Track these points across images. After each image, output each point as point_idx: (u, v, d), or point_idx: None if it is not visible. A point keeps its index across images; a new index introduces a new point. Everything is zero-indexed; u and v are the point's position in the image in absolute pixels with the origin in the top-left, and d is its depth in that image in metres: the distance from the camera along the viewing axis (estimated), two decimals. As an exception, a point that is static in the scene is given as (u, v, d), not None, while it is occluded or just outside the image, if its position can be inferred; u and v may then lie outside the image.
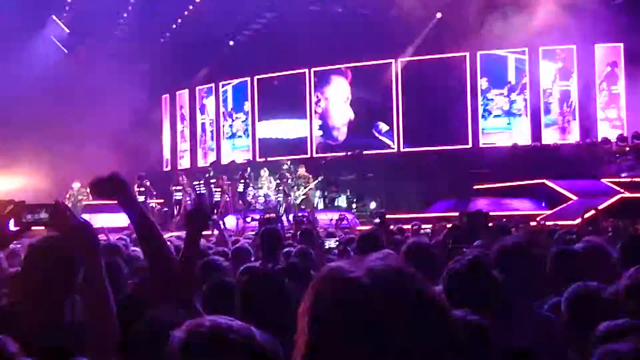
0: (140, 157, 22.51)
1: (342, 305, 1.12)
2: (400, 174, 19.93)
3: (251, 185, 19.28)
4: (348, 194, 19.36)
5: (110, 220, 18.54)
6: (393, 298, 1.11)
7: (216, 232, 8.32)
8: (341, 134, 22.91)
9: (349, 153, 21.53)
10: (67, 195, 19.23)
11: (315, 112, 23.14)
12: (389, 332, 1.09)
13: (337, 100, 23.05)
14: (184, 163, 25.65)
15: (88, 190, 14.77)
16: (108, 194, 2.44)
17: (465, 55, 21.20)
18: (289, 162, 18.71)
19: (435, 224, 10.77)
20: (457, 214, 10.19)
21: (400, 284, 1.14)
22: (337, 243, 5.90)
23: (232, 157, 23.56)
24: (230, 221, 17.92)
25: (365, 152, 21.22)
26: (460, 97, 21.13)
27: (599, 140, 19.37)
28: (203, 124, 25.37)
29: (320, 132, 23.09)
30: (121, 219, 18.57)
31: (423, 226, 11.29)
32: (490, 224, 7.18)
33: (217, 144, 24.85)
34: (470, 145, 21.02)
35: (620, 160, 17.68)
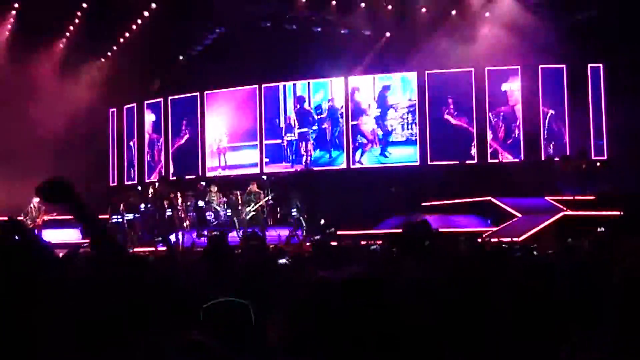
0: (85, 172, 22.13)
1: (322, 304, 1.36)
2: (351, 190, 20.05)
3: (202, 200, 19.14)
4: (297, 210, 19.32)
5: (60, 236, 18.35)
6: (362, 300, 1.36)
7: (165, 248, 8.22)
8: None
9: (298, 169, 21.60)
10: (26, 210, 18.91)
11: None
12: (358, 325, 1.34)
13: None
14: (131, 178, 25.30)
15: (40, 203, 14.22)
16: (55, 199, 2.39)
17: (413, 74, 21.52)
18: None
19: (384, 240, 10.91)
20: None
21: (367, 288, 1.39)
22: (288, 260, 5.93)
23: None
24: (179, 237, 17.76)
25: (315, 169, 21.34)
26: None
27: (543, 159, 19.86)
28: (151, 139, 25.10)
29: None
30: (70, 235, 18.37)
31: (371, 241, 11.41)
32: (434, 235, 7.30)
33: (166, 159, 24.61)
34: (418, 163, 21.29)
35: (563, 178, 18.14)
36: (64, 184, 2.37)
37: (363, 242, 11.02)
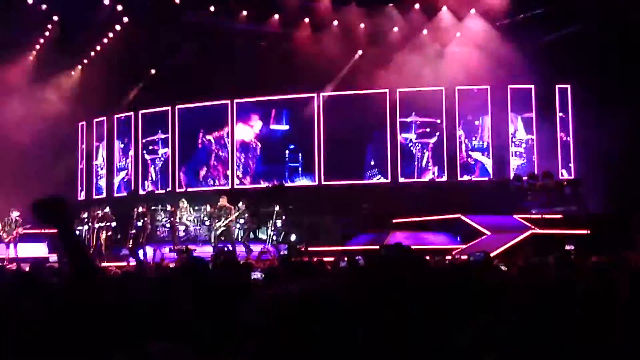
0: (54, 185, 21.89)
1: (284, 314, 1.54)
2: (321, 206, 20.08)
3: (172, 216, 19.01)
4: (269, 225, 19.30)
5: (28, 250, 18.14)
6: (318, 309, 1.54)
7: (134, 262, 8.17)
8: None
9: (269, 185, 21.57)
10: (3, 223, 18.68)
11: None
12: (314, 330, 1.51)
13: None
14: (100, 192, 25.04)
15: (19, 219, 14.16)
16: (46, 219, 2.33)
17: (385, 92, 21.66)
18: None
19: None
20: (376, 247, 10.35)
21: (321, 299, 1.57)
22: (261, 275, 5.92)
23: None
24: (148, 252, 17.63)
25: (286, 185, 21.33)
26: (380, 132, 21.62)
27: (511, 177, 20.09)
28: (120, 153, 24.89)
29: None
30: (38, 249, 18.14)
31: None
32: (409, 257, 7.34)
33: (135, 173, 24.40)
34: (389, 180, 21.40)
35: (531, 197, 18.35)
36: (62, 205, 2.31)
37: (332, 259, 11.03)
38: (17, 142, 20.64)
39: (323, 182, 21.97)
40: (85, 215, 19.40)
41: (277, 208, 18.49)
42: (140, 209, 18.45)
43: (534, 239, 15.28)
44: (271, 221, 18.38)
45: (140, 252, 17.29)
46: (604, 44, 18.36)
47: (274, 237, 18.24)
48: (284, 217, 18.33)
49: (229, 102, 23.04)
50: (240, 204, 18.03)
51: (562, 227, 15.92)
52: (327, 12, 21.60)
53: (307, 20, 21.97)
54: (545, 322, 3.49)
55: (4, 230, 18.67)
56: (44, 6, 20.85)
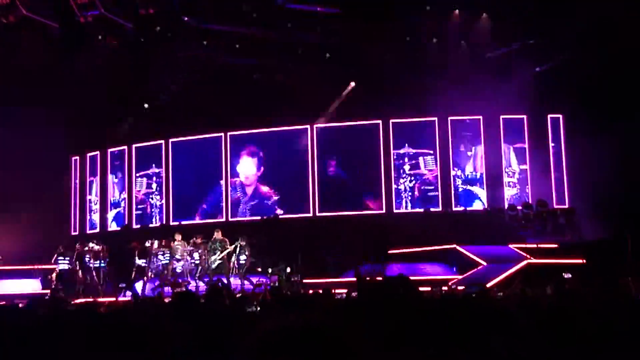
0: (47, 221, 21.81)
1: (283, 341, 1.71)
2: (316, 238, 20.00)
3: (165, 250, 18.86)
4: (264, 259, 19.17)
5: (21, 286, 17.90)
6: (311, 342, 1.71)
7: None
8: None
9: (264, 217, 21.52)
10: None
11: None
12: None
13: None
14: (93, 227, 24.91)
15: None
16: None
17: (378, 123, 21.74)
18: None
19: (350, 289, 10.91)
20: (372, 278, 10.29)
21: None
22: (256, 307, 5.89)
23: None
24: (140, 286, 17.48)
25: (280, 217, 21.29)
26: (374, 163, 21.64)
27: (506, 207, 20.10)
28: (114, 187, 24.82)
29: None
30: (31, 285, 17.88)
31: (338, 291, 11.43)
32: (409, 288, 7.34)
33: (129, 208, 24.30)
34: (384, 211, 21.37)
35: (526, 226, 18.35)
36: None
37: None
38: (11, 179, 20.56)
39: (318, 214, 21.93)
40: (79, 249, 19.22)
41: (240, 241, 18.00)
42: (147, 244, 18.37)
43: (530, 268, 15.26)
44: (235, 254, 17.95)
45: (138, 287, 17.20)
46: (594, 73, 18.52)
47: (269, 270, 18.02)
48: (247, 251, 17.94)
49: (222, 134, 23.08)
50: (241, 241, 17.86)
51: (557, 256, 15.92)
52: (319, 43, 21.79)
53: (300, 52, 22.15)
54: (545, 350, 3.47)
55: None
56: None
